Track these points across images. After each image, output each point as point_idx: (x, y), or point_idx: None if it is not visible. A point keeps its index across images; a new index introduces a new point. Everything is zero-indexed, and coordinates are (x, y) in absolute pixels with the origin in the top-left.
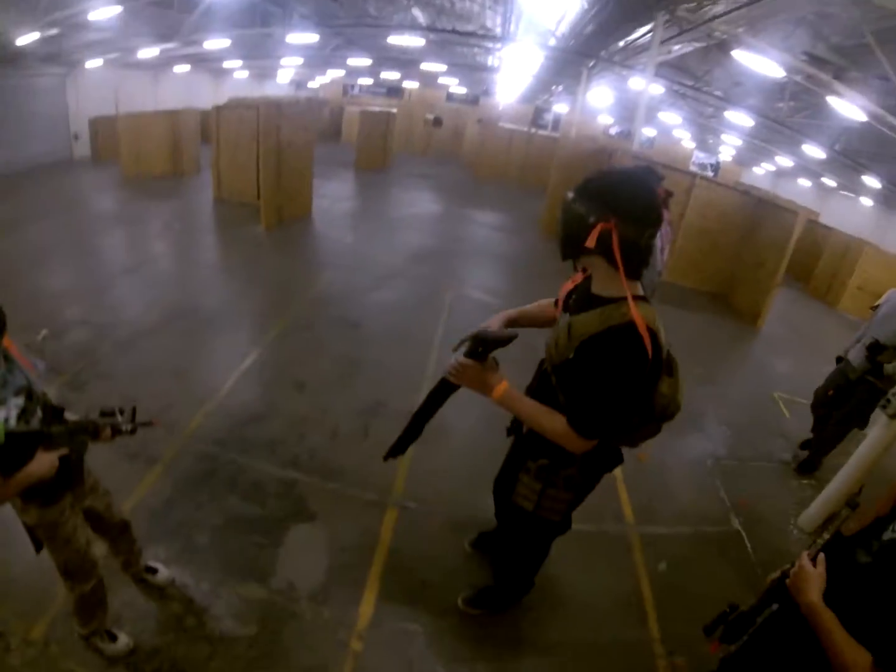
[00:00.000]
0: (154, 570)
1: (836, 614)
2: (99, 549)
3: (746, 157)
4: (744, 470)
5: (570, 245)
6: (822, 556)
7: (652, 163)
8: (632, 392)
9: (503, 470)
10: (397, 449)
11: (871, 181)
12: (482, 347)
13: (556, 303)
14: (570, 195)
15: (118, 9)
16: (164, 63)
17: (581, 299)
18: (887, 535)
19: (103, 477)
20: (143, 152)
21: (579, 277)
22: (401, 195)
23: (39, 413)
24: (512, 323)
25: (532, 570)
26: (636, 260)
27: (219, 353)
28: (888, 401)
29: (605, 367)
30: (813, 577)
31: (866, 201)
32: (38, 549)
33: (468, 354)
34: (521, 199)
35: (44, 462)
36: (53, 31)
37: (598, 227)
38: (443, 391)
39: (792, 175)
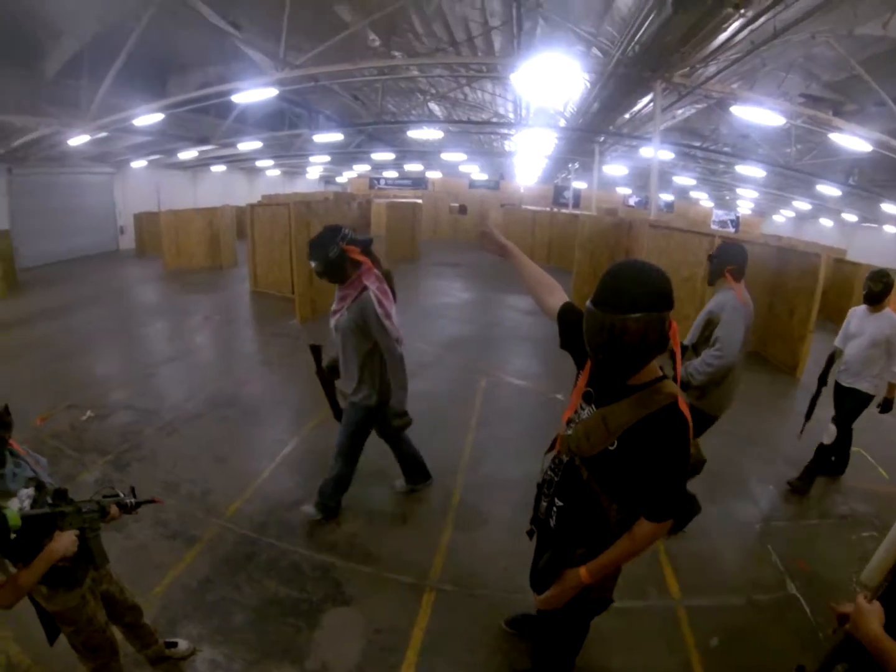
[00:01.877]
0: (174, 644)
1: None
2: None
3: (765, 207)
4: (796, 530)
5: (638, 359)
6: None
7: (670, 228)
8: (688, 463)
9: (536, 560)
10: None
11: (891, 208)
12: None
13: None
14: (625, 314)
15: (160, 116)
16: (202, 163)
17: (606, 390)
18: None
19: (143, 555)
20: (184, 246)
21: (584, 379)
22: (431, 284)
23: (49, 501)
24: (505, 253)
25: (573, 653)
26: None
27: (258, 441)
28: None
29: (665, 450)
30: (871, 611)
31: (890, 228)
32: (52, 640)
33: None
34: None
35: (64, 539)
36: (102, 135)
37: (674, 328)
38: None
39: (812, 217)
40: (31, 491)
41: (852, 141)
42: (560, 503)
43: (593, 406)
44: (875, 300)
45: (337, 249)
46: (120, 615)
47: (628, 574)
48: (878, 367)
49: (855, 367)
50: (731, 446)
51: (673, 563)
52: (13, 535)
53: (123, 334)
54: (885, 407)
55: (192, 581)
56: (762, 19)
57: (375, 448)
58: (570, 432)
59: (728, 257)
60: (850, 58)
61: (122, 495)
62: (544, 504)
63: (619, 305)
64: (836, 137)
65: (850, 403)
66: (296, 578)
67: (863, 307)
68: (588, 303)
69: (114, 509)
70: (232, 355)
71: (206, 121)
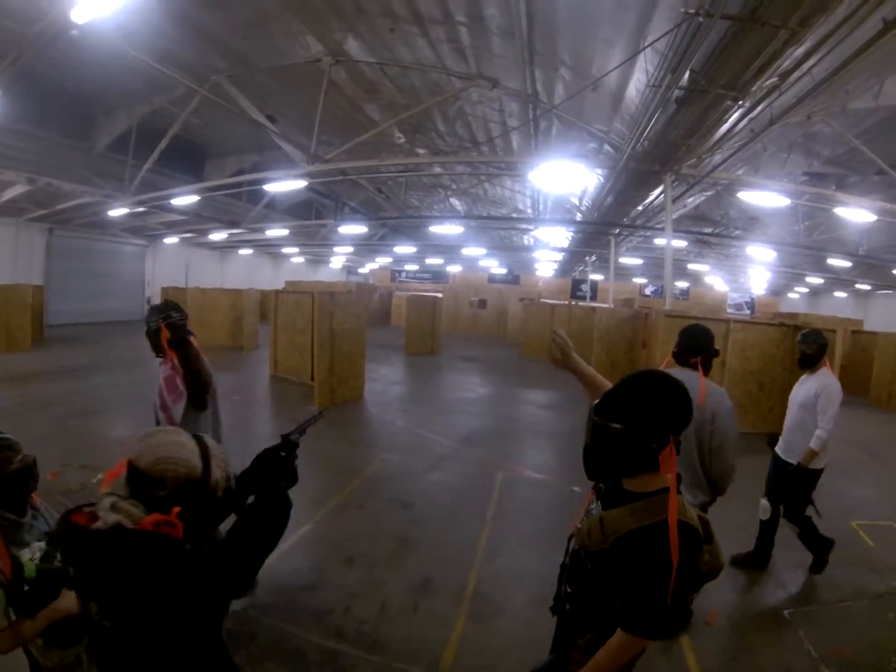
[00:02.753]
0: None
1: None
2: None
3: (779, 286)
4: (830, 614)
5: (619, 470)
6: None
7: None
8: (683, 584)
9: (553, 649)
10: None
11: None
12: None
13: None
14: (618, 426)
15: (195, 198)
16: (230, 245)
17: (611, 492)
18: None
19: None
20: (207, 324)
21: None
22: (450, 378)
23: (58, 557)
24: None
25: None
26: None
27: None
28: None
29: (647, 566)
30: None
31: None
32: None
33: None
34: (568, 374)
35: (70, 598)
36: (140, 209)
37: (667, 451)
38: None
39: (826, 290)
40: (42, 545)
41: (857, 213)
42: (569, 589)
43: (599, 505)
44: (809, 363)
45: (154, 325)
46: None
47: (652, 667)
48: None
49: (787, 436)
50: (753, 527)
51: (699, 660)
52: (26, 587)
53: (141, 401)
54: (794, 473)
55: None
56: (759, 108)
57: (390, 537)
58: (579, 525)
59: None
60: (847, 132)
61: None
62: (562, 586)
63: (606, 410)
64: (841, 211)
65: (784, 480)
66: (300, 663)
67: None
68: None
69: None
70: (249, 436)
71: (238, 205)
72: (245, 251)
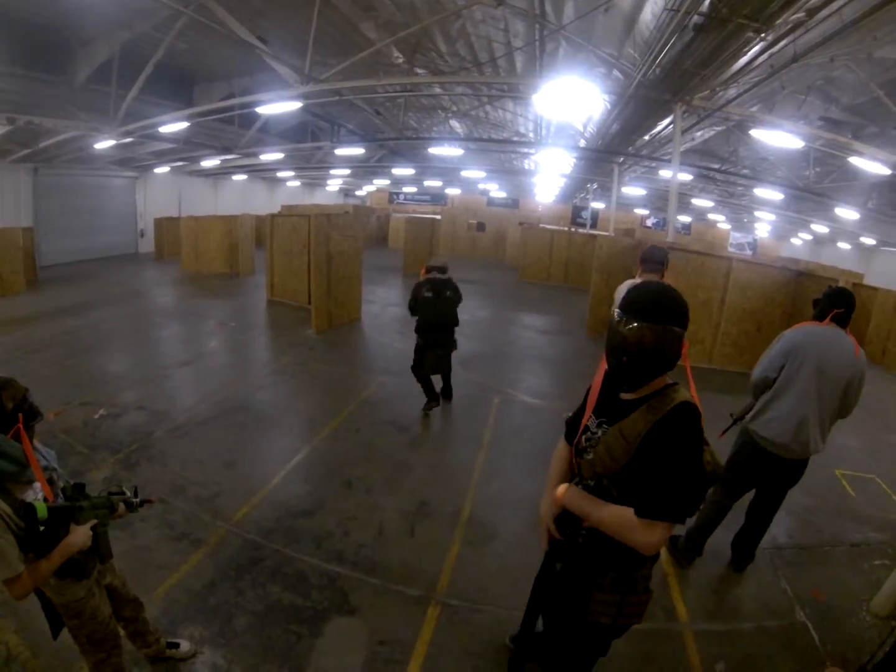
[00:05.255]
0: (176, 645)
1: None
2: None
3: (783, 231)
4: (808, 557)
5: (655, 367)
6: None
7: (687, 251)
8: (699, 466)
9: (549, 587)
10: None
11: None
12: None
13: (566, 436)
14: (651, 322)
15: (185, 124)
16: (223, 172)
17: (613, 408)
18: None
19: (148, 555)
20: (202, 252)
21: (594, 395)
22: None
23: (60, 494)
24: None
25: None
26: None
27: (269, 448)
28: None
29: (675, 450)
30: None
31: None
32: (56, 633)
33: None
34: (565, 299)
35: (80, 534)
36: (128, 140)
37: (685, 344)
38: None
39: (830, 240)
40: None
41: (871, 165)
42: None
43: (605, 426)
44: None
45: None
46: (121, 608)
47: None
48: None
49: None
50: None
51: (681, 586)
52: (41, 528)
53: (139, 335)
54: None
55: (195, 583)
56: (782, 43)
57: (387, 461)
58: (590, 456)
59: (833, 302)
60: (870, 81)
61: (128, 494)
62: (568, 530)
63: (646, 314)
64: (855, 161)
65: None
66: (301, 586)
67: None
68: (616, 308)
69: (121, 507)
70: (246, 362)
71: (230, 130)
72: (239, 177)
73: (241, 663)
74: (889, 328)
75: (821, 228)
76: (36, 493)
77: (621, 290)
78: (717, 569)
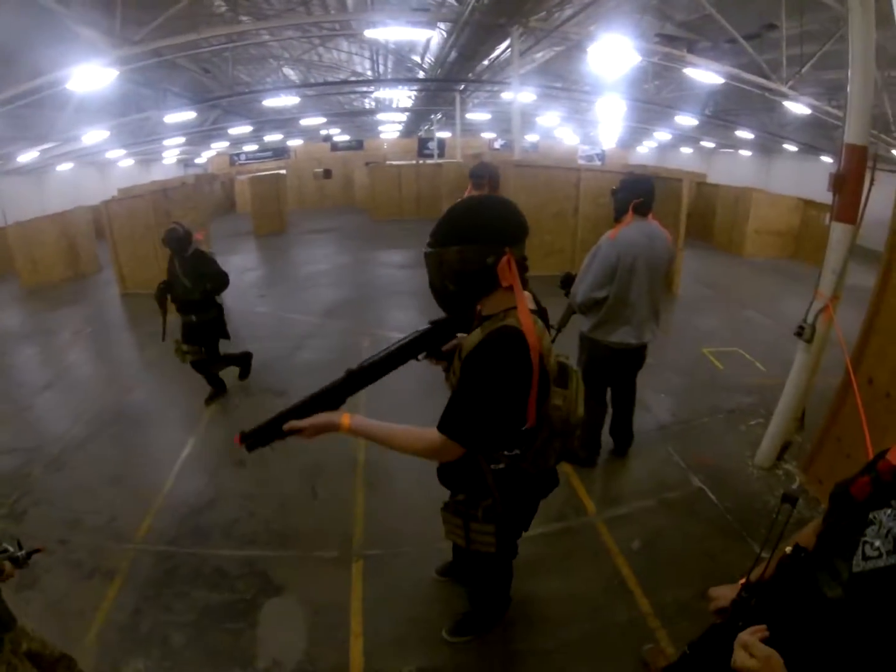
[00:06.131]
0: None
1: (806, 663)
2: None
3: (629, 140)
4: (691, 430)
5: (465, 297)
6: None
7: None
8: (508, 395)
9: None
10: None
11: (745, 134)
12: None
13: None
14: (447, 249)
15: None
16: (46, 164)
17: (466, 325)
18: (858, 564)
19: (65, 605)
20: (39, 260)
21: None
22: (304, 253)
23: None
24: None
25: (504, 588)
26: (523, 273)
27: (154, 451)
28: (801, 328)
29: (480, 370)
30: (769, 664)
31: (745, 153)
32: None
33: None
34: (420, 232)
35: None
36: None
37: (504, 262)
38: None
39: (673, 146)
40: None
41: (706, 75)
42: None
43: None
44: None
45: None
46: (51, 670)
47: (544, 502)
48: None
49: None
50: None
51: (583, 481)
52: None
53: None
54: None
55: (122, 616)
56: None
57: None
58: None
59: (631, 191)
60: None
61: (10, 550)
62: None
63: (434, 239)
64: (690, 72)
65: None
66: (223, 581)
67: None
68: None
69: (7, 566)
70: (111, 366)
71: (43, 115)
72: (65, 166)
73: None
74: (732, 219)
75: (664, 136)
76: None
77: None
78: (614, 459)
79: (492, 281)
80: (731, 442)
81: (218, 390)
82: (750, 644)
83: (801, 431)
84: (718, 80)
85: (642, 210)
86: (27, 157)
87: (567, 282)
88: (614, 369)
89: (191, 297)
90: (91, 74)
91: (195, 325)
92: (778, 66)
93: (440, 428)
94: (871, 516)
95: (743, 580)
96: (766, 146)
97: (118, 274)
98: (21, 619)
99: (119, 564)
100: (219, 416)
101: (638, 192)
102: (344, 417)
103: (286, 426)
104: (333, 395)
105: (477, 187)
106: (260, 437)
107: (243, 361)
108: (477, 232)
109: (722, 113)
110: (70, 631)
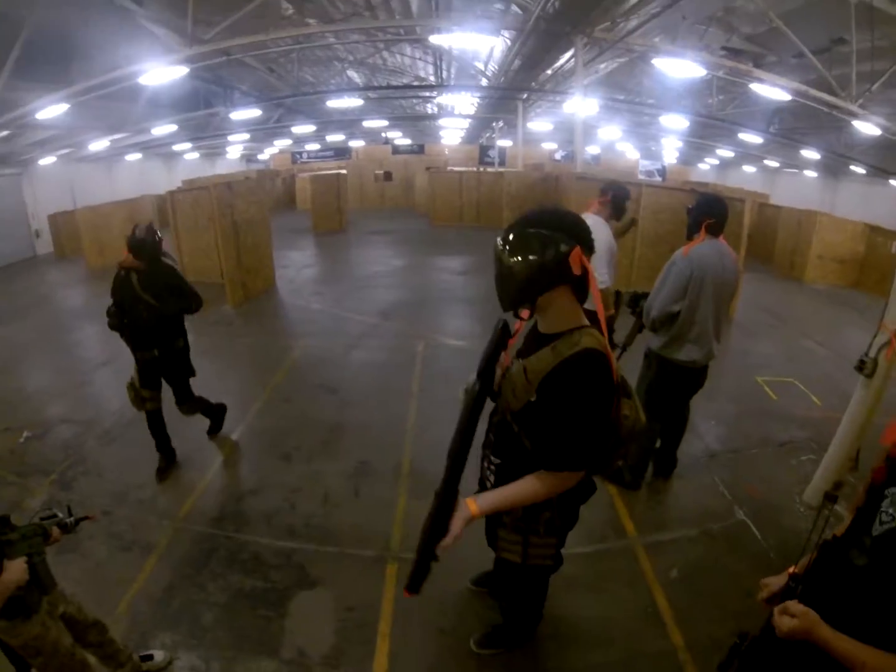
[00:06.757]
0: (150, 657)
1: (843, 628)
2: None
3: (690, 156)
4: (740, 460)
5: (534, 284)
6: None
7: (596, 179)
8: (601, 416)
9: (487, 521)
10: (416, 581)
11: (811, 154)
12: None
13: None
14: (522, 232)
15: (65, 106)
16: (116, 153)
17: (529, 343)
18: (877, 529)
19: (102, 573)
20: (106, 243)
21: (519, 326)
22: (362, 253)
23: None
24: None
25: (538, 604)
26: (586, 285)
27: (202, 435)
28: (862, 362)
29: (571, 397)
30: (813, 618)
31: (810, 174)
32: None
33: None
34: (478, 239)
35: (14, 569)
36: (3, 133)
37: (576, 253)
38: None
39: (736, 164)
40: None
41: (772, 91)
42: (497, 460)
43: (520, 360)
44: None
45: None
46: (83, 634)
47: (584, 520)
48: None
49: None
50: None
51: (626, 504)
52: None
53: (52, 344)
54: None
55: (156, 589)
56: None
57: (322, 426)
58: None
59: (705, 211)
60: (769, 11)
61: (60, 515)
62: (485, 464)
63: (519, 228)
64: (756, 87)
65: None
66: (259, 568)
67: None
68: None
69: (55, 531)
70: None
71: (116, 107)
72: (133, 156)
73: (217, 659)
74: (794, 243)
75: (726, 153)
76: None
77: None
78: (658, 483)
79: (563, 271)
80: (780, 476)
81: (169, 461)
82: (787, 606)
83: (855, 472)
84: (785, 96)
85: (715, 230)
86: (99, 145)
87: (635, 301)
88: (678, 388)
89: (164, 315)
90: (162, 71)
91: (158, 360)
92: (847, 82)
93: (554, 467)
94: (886, 492)
95: (791, 570)
96: (833, 167)
97: (179, 261)
98: (60, 582)
99: (158, 540)
100: (268, 408)
101: (713, 212)
102: (472, 509)
103: (438, 550)
104: (450, 494)
105: (599, 202)
106: (420, 576)
107: (218, 414)
108: (556, 223)
109: (787, 131)
110: (104, 598)
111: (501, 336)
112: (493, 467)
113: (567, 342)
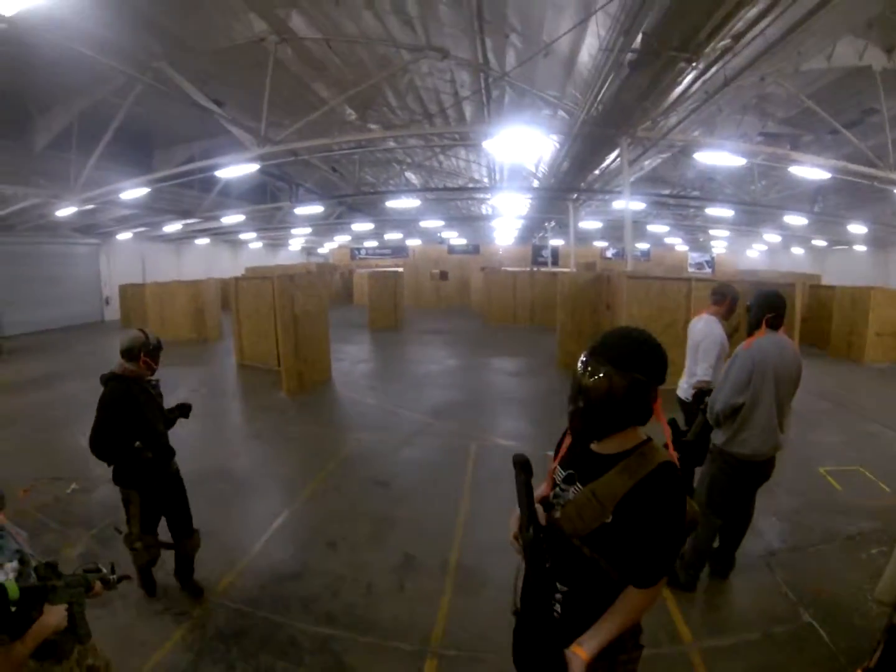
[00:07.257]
0: None
1: None
2: None
3: (738, 245)
4: (804, 557)
5: (614, 417)
6: None
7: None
8: (685, 523)
9: (518, 643)
10: None
11: (858, 228)
12: None
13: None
14: (610, 365)
15: (145, 190)
16: (186, 236)
17: (587, 465)
18: None
19: (129, 633)
20: (169, 318)
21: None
22: (416, 352)
23: (33, 574)
24: None
25: None
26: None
27: (249, 514)
28: None
29: (659, 514)
30: None
31: (860, 248)
32: None
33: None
34: (533, 339)
35: (55, 614)
36: (89, 207)
37: (657, 397)
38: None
39: (784, 247)
40: (15, 564)
41: (811, 171)
42: (565, 588)
43: (578, 485)
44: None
45: None
46: None
47: None
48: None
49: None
50: None
51: (681, 607)
52: (13, 608)
53: None
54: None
55: (181, 659)
56: (713, 69)
57: (370, 518)
58: (557, 514)
59: (764, 306)
60: (800, 93)
61: (104, 571)
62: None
63: (612, 358)
64: (795, 170)
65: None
66: (293, 652)
67: None
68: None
69: (98, 585)
70: (220, 428)
71: (191, 194)
72: (202, 241)
73: None
74: (850, 323)
75: (773, 237)
76: (7, 574)
77: (693, 325)
78: (715, 584)
79: (646, 414)
80: (848, 572)
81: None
82: None
83: None
84: (825, 175)
85: (775, 324)
86: (172, 227)
87: (699, 397)
88: (742, 483)
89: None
90: (237, 166)
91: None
92: (884, 152)
93: (648, 584)
94: None
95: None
96: (882, 239)
97: (238, 345)
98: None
99: (192, 610)
100: (317, 496)
101: (772, 307)
102: (583, 656)
103: None
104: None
105: (716, 304)
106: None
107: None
108: (650, 366)
109: (832, 208)
110: (128, 658)
111: (527, 476)
112: (558, 595)
113: (638, 461)
